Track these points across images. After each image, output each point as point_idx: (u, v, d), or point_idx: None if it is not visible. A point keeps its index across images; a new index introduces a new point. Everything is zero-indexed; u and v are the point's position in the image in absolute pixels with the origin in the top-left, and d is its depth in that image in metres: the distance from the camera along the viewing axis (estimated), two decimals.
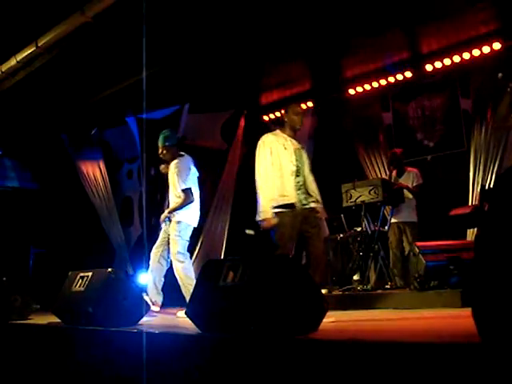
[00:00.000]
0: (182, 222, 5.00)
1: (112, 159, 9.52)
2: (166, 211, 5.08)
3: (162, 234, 5.13)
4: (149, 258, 5.16)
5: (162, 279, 5.14)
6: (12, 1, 5.51)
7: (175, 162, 5.15)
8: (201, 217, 5.29)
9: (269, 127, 8.94)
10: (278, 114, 8.77)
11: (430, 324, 3.46)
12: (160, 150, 5.22)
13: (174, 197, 5.12)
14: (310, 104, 8.33)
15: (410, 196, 6.21)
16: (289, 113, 4.26)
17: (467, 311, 1.88)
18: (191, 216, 5.09)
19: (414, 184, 6.29)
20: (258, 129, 8.86)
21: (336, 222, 6.98)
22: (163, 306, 5.23)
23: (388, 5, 5.76)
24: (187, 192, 5.00)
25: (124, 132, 8.69)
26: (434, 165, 7.17)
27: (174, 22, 5.76)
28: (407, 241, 6.19)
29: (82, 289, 3.92)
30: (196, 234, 8.38)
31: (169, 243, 5.03)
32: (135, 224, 9.42)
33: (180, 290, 5.00)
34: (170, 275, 8.20)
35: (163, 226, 5.10)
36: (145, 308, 4.09)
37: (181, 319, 4.08)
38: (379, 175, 7.32)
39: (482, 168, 6.49)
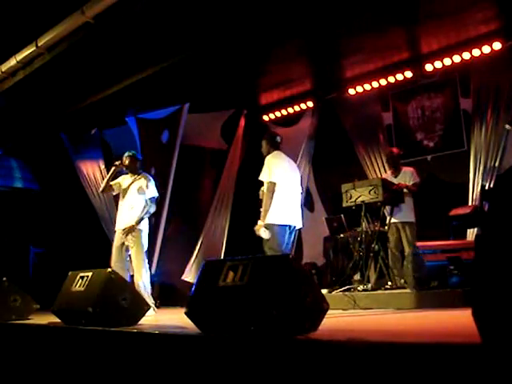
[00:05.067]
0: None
1: (112, 159, 9.51)
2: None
3: None
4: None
5: None
6: (12, 1, 5.51)
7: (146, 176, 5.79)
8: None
9: (269, 127, 8.97)
10: (278, 113, 8.78)
11: (430, 324, 3.46)
12: (125, 158, 5.76)
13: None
14: (310, 104, 8.34)
15: (408, 195, 6.21)
16: None
17: (467, 311, 1.88)
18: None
19: (411, 183, 6.28)
20: (258, 129, 8.89)
21: (336, 222, 6.97)
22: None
23: (388, 4, 5.76)
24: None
25: (124, 132, 8.69)
26: (434, 165, 7.17)
27: (174, 21, 5.76)
28: (406, 241, 6.19)
29: (81, 289, 3.93)
30: (196, 234, 8.43)
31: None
32: None
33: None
34: (167, 276, 8.21)
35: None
36: (145, 308, 4.09)
37: (181, 319, 4.08)
38: (379, 175, 7.31)
39: (481, 168, 6.49)
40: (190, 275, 7.83)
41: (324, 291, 5.66)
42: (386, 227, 6.25)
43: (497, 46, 6.39)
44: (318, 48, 6.93)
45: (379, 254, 5.92)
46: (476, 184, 6.49)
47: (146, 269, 5.49)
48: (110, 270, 4.10)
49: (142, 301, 4.16)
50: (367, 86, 7.63)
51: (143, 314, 4.03)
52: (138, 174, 5.76)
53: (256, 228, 4.68)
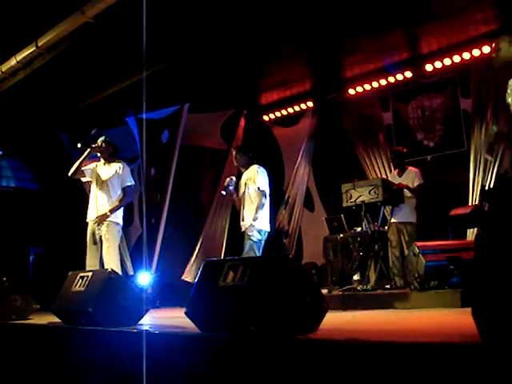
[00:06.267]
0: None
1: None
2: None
3: None
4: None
5: None
6: (12, 1, 5.51)
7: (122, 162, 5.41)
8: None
9: (269, 127, 8.97)
10: (278, 113, 8.79)
11: (430, 324, 3.46)
12: (100, 143, 5.34)
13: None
14: (310, 104, 8.34)
15: (410, 196, 6.19)
16: None
17: (467, 311, 1.88)
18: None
19: (415, 184, 6.25)
20: (258, 129, 8.90)
21: (336, 222, 6.97)
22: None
23: (388, 5, 5.76)
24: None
25: (124, 132, 8.69)
26: (434, 165, 7.17)
27: (174, 22, 5.76)
28: (406, 241, 6.19)
29: (81, 289, 3.92)
30: (196, 234, 8.43)
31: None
32: (135, 224, 9.41)
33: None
34: (167, 276, 8.20)
35: None
36: (144, 308, 4.09)
37: (181, 319, 4.09)
38: (379, 175, 7.32)
39: (481, 168, 6.49)
40: (189, 275, 7.83)
41: (324, 291, 5.67)
42: (386, 227, 6.25)
43: None
44: (318, 48, 6.93)
45: (379, 254, 5.92)
46: (476, 184, 6.50)
47: (119, 266, 5.13)
48: (109, 269, 4.11)
49: (142, 301, 4.16)
50: (367, 86, 7.64)
51: (143, 314, 4.03)
52: (113, 162, 5.37)
53: (247, 227, 5.03)
